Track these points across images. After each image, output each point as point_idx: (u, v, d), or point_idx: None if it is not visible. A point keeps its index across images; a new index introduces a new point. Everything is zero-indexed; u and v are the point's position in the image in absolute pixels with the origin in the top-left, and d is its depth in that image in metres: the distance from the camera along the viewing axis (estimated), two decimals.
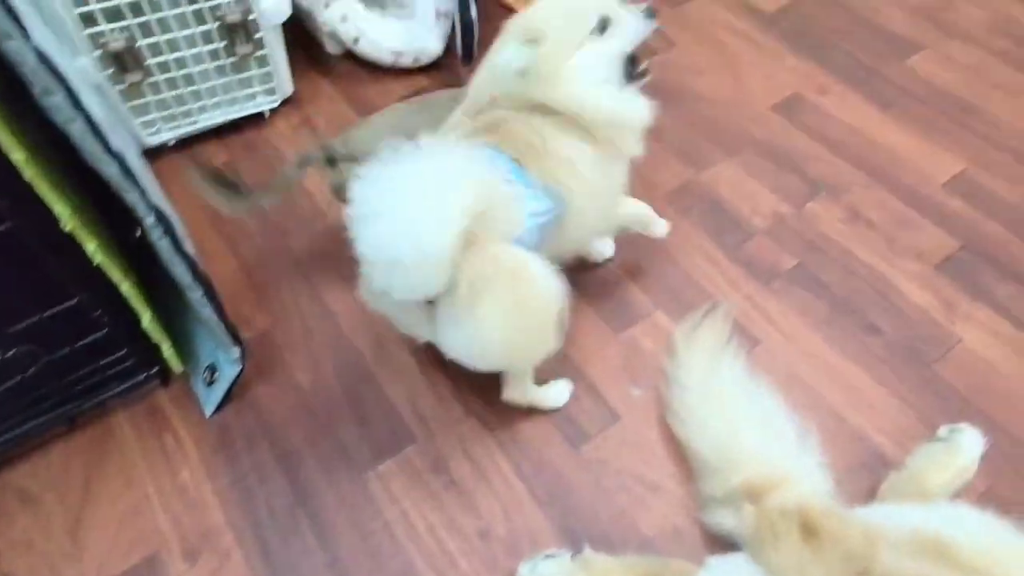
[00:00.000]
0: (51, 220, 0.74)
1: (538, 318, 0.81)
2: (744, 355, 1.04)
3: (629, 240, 1.19)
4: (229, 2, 1.18)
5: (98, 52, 1.12)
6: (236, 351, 0.96)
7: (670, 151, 1.33)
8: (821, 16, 1.59)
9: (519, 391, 0.97)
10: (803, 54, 1.50)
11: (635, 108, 0.89)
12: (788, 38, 1.54)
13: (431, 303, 0.78)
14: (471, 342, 0.81)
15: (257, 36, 1.24)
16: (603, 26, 0.84)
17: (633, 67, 0.89)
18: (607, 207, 0.98)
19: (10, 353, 0.83)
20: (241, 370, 0.98)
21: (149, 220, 0.75)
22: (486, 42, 0.91)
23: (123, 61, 1.14)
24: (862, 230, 1.21)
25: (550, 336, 0.84)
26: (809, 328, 1.09)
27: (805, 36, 1.54)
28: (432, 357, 1.06)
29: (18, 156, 0.67)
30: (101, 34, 1.11)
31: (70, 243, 0.78)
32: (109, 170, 0.69)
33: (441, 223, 0.68)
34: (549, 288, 0.79)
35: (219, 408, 1.01)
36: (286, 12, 1.22)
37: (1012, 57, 1.49)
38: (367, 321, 1.10)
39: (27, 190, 0.71)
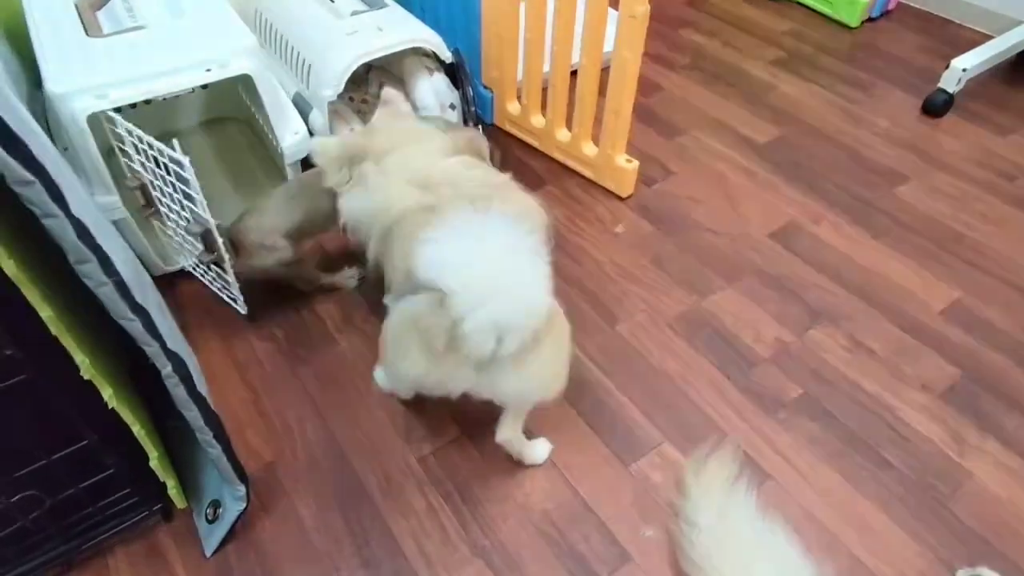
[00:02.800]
0: (71, 368, 0.76)
1: (568, 348, 0.98)
2: (756, 491, 1.03)
3: (635, 368, 1.21)
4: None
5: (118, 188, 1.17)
6: (242, 489, 0.95)
7: (672, 278, 1.37)
8: (810, 147, 1.68)
9: (514, 433, 1.03)
10: (796, 184, 1.58)
11: None
12: (781, 168, 1.62)
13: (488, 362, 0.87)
14: (532, 379, 0.92)
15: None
16: None
17: None
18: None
19: (14, 499, 0.82)
20: (245, 507, 0.97)
21: (166, 370, 0.77)
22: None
23: (146, 195, 1.20)
24: (864, 359, 1.23)
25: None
26: (820, 462, 1.08)
27: (797, 167, 1.62)
28: (441, 494, 1.04)
29: (47, 313, 0.70)
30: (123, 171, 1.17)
31: (87, 389, 0.79)
32: (132, 326, 0.71)
33: (544, 287, 0.84)
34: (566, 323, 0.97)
35: (220, 547, 0.98)
36: (305, 151, 1.30)
37: (993, 187, 1.56)
38: (374, 452, 1.09)
39: (52, 342, 0.72)
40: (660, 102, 1.82)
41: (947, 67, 1.72)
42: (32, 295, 0.68)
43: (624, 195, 1.53)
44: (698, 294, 1.34)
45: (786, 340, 1.26)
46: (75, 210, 0.62)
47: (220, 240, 1.11)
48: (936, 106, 1.74)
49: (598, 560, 0.98)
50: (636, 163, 1.49)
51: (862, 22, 2.10)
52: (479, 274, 0.81)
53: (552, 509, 1.03)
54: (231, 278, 1.18)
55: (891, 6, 2.16)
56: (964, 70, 1.70)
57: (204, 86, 1.22)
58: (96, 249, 0.64)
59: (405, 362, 0.93)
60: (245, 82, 1.21)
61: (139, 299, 0.72)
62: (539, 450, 1.08)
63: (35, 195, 0.58)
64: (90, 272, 0.65)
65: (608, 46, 1.37)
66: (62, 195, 0.61)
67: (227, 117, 1.67)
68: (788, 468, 1.08)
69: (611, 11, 1.34)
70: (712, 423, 1.14)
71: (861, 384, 1.19)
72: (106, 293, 0.67)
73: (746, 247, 1.43)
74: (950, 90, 1.73)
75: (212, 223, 1.07)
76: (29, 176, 0.57)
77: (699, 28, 2.12)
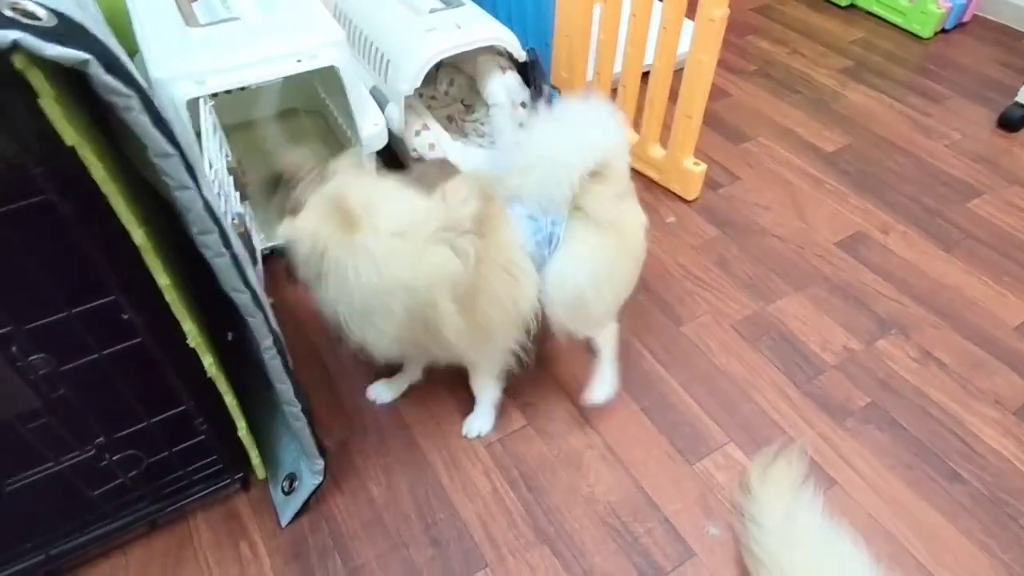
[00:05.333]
0: (179, 336, 0.80)
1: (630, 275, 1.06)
2: (821, 496, 1.02)
3: (699, 368, 1.21)
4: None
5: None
6: (320, 463, 0.99)
7: (737, 282, 1.37)
8: (879, 157, 1.66)
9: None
10: (864, 193, 1.56)
11: None
12: (849, 177, 1.60)
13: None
14: (584, 275, 0.98)
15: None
16: None
17: None
18: None
19: (117, 456, 0.87)
20: (322, 481, 1.01)
21: (266, 342, 0.81)
22: None
23: (237, 177, 1.25)
24: (935, 371, 1.21)
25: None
26: (888, 471, 1.07)
27: (865, 176, 1.61)
28: (506, 480, 1.06)
29: (164, 281, 0.74)
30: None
31: (190, 357, 0.83)
32: (241, 298, 0.75)
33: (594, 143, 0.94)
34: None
35: (295, 518, 1.02)
36: (384, 140, 1.34)
37: None
38: (441, 436, 1.12)
39: (165, 310, 0.77)
40: (727, 108, 1.82)
41: None
42: (154, 264, 0.72)
43: (689, 198, 1.53)
44: (763, 299, 1.34)
45: (854, 348, 1.25)
46: (203, 185, 0.66)
47: (254, 247, 1.11)
48: (1013, 120, 1.70)
49: (662, 554, 0.99)
50: (704, 166, 1.50)
51: (935, 33, 2.07)
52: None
53: (616, 502, 1.04)
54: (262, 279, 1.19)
55: (966, 18, 2.11)
56: None
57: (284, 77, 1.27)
58: (218, 222, 0.68)
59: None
60: (322, 75, 1.25)
61: (248, 274, 0.76)
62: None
63: (173, 168, 0.62)
64: (211, 243, 0.69)
65: (681, 48, 1.38)
66: (194, 169, 0.65)
67: (299, 108, 1.72)
68: (854, 475, 1.07)
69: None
70: (777, 426, 1.14)
71: (931, 396, 1.17)
72: (222, 264, 0.71)
73: (812, 254, 1.42)
74: None
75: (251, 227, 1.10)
76: (171, 149, 0.61)
77: (767, 35, 2.11)
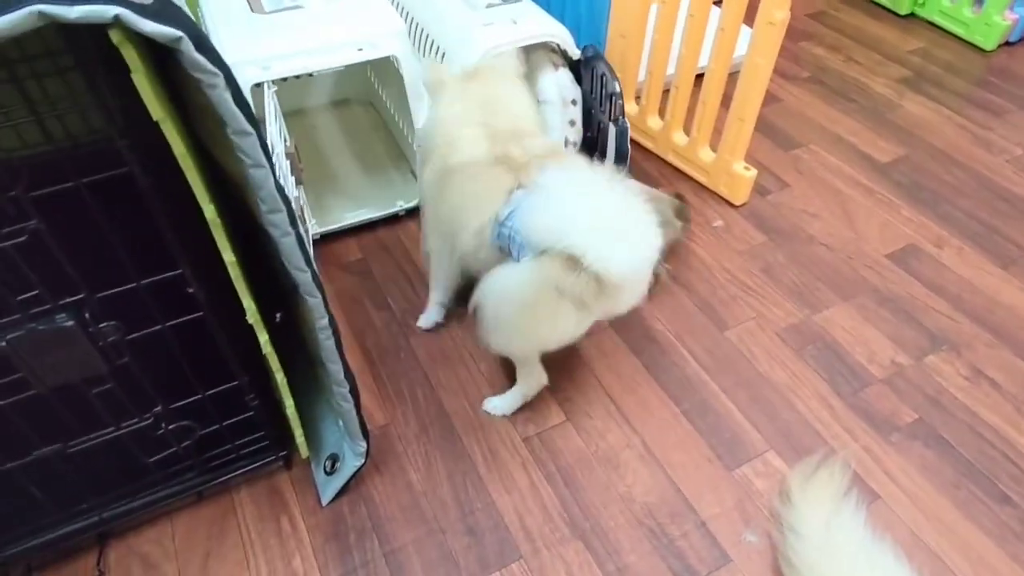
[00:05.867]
0: (239, 312, 0.83)
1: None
2: (863, 509, 1.01)
3: (742, 374, 1.20)
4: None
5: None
6: (363, 445, 1.01)
7: (783, 289, 1.35)
8: (935, 170, 1.62)
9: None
10: (918, 206, 1.53)
11: None
12: (902, 189, 1.57)
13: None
14: (639, 290, 1.00)
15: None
16: None
17: None
18: None
19: (172, 426, 0.90)
20: (363, 463, 1.02)
21: (322, 322, 0.83)
22: None
23: (293, 163, 1.28)
24: (987, 390, 1.18)
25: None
26: (934, 489, 1.05)
27: (920, 188, 1.57)
28: (544, 474, 1.07)
29: (229, 257, 0.76)
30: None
31: (246, 333, 0.86)
32: (303, 277, 0.77)
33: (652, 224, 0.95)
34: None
35: (335, 497, 1.04)
36: None
37: None
38: (481, 425, 1.13)
39: (226, 286, 0.79)
40: (778, 113, 1.79)
41: None
42: (222, 240, 0.74)
43: (738, 203, 1.52)
44: (809, 307, 1.32)
45: (902, 363, 1.22)
46: (276, 165, 0.68)
47: (307, 231, 1.16)
48: None
49: (697, 558, 0.98)
50: (754, 171, 1.48)
51: (999, 46, 2.01)
52: (603, 228, 0.90)
53: (653, 503, 1.04)
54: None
55: None
56: None
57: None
58: (287, 201, 0.70)
59: (551, 324, 0.97)
60: (377, 66, 1.27)
61: (311, 253, 0.78)
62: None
63: (250, 146, 0.64)
64: (279, 222, 0.71)
65: (738, 51, 1.37)
66: (268, 149, 0.67)
67: (351, 99, 1.75)
68: (898, 491, 1.05)
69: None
70: (819, 437, 1.12)
71: (981, 416, 1.15)
72: (288, 243, 0.73)
73: (862, 265, 1.40)
74: None
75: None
76: (249, 127, 0.63)
77: (821, 41, 2.07)
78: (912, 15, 2.17)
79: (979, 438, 1.12)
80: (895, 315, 1.31)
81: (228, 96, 0.60)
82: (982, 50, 2.02)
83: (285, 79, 1.29)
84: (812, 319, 1.30)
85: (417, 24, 1.56)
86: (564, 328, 0.98)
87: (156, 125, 0.63)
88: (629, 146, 1.43)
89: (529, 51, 1.53)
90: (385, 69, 1.27)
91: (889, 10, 2.19)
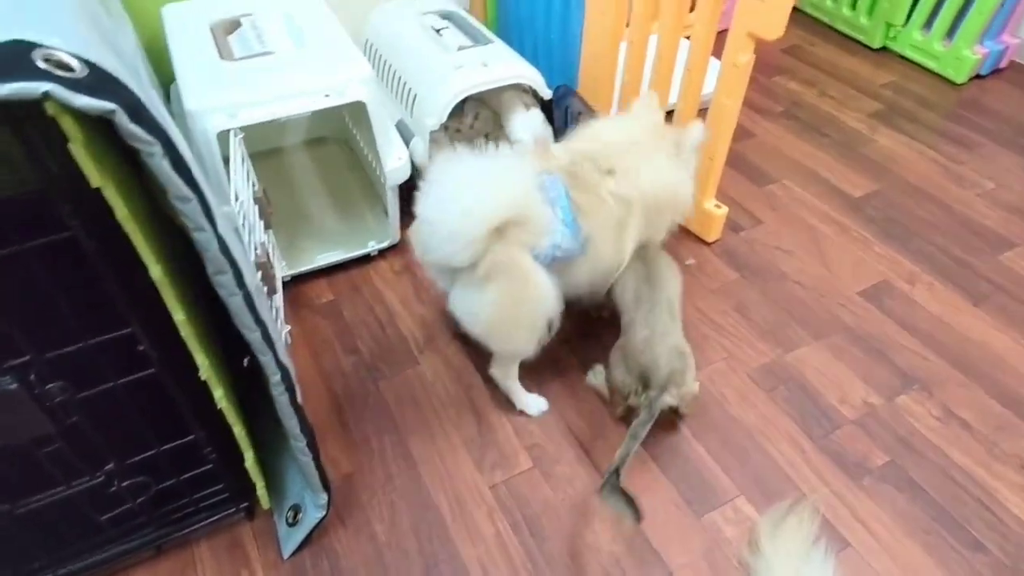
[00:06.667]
0: (192, 368, 0.82)
1: (526, 317, 1.03)
2: (833, 558, 0.99)
3: (712, 416, 1.19)
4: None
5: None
6: (324, 497, 0.99)
7: (756, 328, 1.35)
8: (907, 204, 1.63)
9: (501, 372, 1.16)
10: (891, 241, 1.53)
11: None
12: (875, 224, 1.58)
13: (455, 271, 0.98)
14: (471, 311, 1.02)
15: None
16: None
17: None
18: (614, 266, 1.14)
19: (126, 483, 0.88)
20: (325, 516, 1.01)
21: (275, 379, 0.82)
22: None
23: (261, 207, 1.28)
24: (958, 431, 1.18)
25: (531, 338, 1.06)
26: (906, 535, 1.04)
27: (892, 223, 1.58)
28: (510, 523, 1.06)
29: (180, 316, 0.76)
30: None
31: (201, 388, 0.85)
32: (253, 336, 0.76)
33: (481, 210, 0.91)
34: (545, 299, 1.02)
35: (297, 550, 1.03)
36: (407, 174, 1.36)
37: None
38: (447, 474, 1.12)
39: (179, 343, 0.78)
40: (751, 149, 1.81)
41: None
42: (169, 299, 0.74)
43: (710, 240, 1.52)
44: (781, 347, 1.31)
45: (874, 403, 1.22)
46: (219, 225, 0.68)
47: (274, 275, 1.16)
48: None
49: None
50: (725, 209, 1.49)
51: (970, 79, 2.04)
52: (447, 171, 0.95)
53: (620, 552, 1.02)
54: (280, 306, 1.23)
55: (1003, 64, 2.08)
56: None
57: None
58: (233, 262, 0.70)
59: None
60: (350, 106, 1.28)
61: (260, 311, 0.77)
62: (529, 401, 1.19)
63: (191, 211, 0.64)
64: (225, 283, 0.70)
65: (705, 90, 1.39)
66: (211, 212, 0.66)
67: (328, 137, 1.76)
68: (869, 537, 1.04)
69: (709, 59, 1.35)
70: (790, 481, 1.11)
71: (953, 458, 1.14)
72: (236, 304, 0.72)
73: (834, 303, 1.40)
74: None
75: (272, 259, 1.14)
76: (189, 193, 0.63)
77: (795, 76, 2.10)
78: (885, 48, 2.20)
79: (951, 481, 1.11)
80: (867, 354, 1.30)
81: (166, 164, 0.60)
82: (953, 83, 2.04)
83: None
84: (784, 359, 1.29)
85: (391, 67, 1.57)
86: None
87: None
88: None
89: (501, 91, 1.54)
90: (359, 109, 1.28)
91: (862, 44, 2.22)
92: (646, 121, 1.16)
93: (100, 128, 0.66)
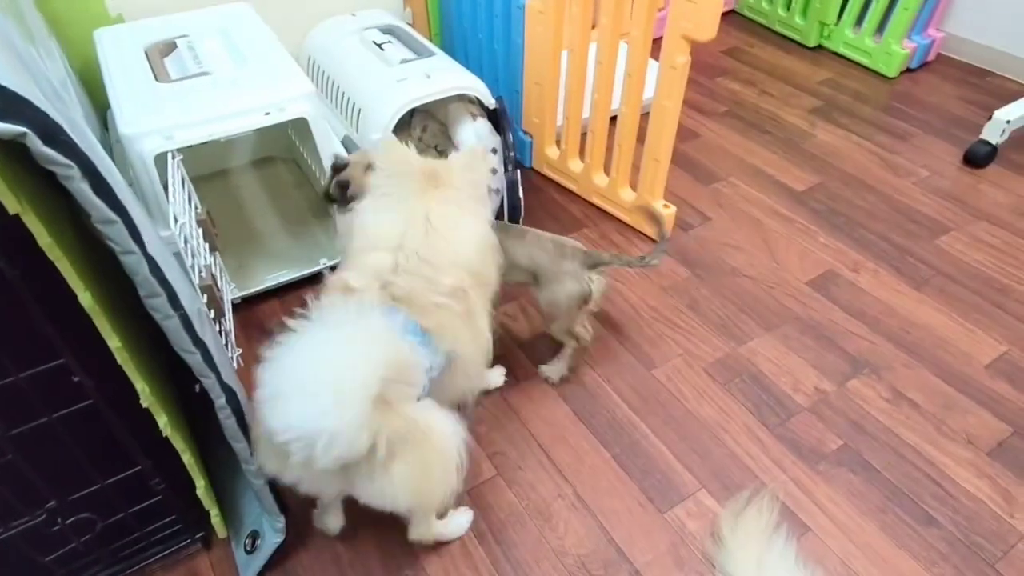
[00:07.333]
0: (131, 396, 0.79)
1: (446, 466, 0.86)
2: (794, 544, 1.01)
3: (671, 413, 1.20)
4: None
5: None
6: (281, 520, 0.97)
7: (708, 324, 1.37)
8: (848, 196, 1.68)
9: (424, 529, 1.00)
10: (834, 232, 1.58)
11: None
12: (819, 216, 1.62)
13: (344, 470, 0.79)
14: (386, 493, 0.84)
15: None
16: None
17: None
18: (483, 348, 1.01)
19: (69, 520, 0.85)
20: (284, 539, 0.98)
21: (219, 401, 0.80)
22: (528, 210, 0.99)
23: (206, 230, 1.25)
24: (907, 411, 1.21)
25: (455, 478, 0.87)
26: (861, 516, 1.06)
27: (835, 214, 1.63)
28: (474, 533, 1.04)
29: (115, 343, 0.73)
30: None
31: (143, 416, 0.82)
32: (193, 359, 0.75)
33: (354, 392, 0.71)
34: (454, 436, 0.85)
35: None
36: None
37: None
38: None
39: (116, 371, 0.76)
40: (697, 148, 1.85)
41: (990, 118, 1.72)
42: (103, 326, 0.72)
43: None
44: (735, 340, 1.34)
45: (825, 390, 1.24)
46: (149, 248, 0.66)
47: (222, 298, 1.13)
48: (978, 157, 1.73)
49: None
50: (674, 208, 1.51)
51: (900, 73, 2.12)
52: (284, 372, 0.74)
53: (586, 555, 1.02)
54: (230, 329, 1.19)
55: (931, 57, 2.17)
56: (1008, 122, 1.70)
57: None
58: (166, 284, 0.68)
59: (259, 455, 0.85)
60: (295, 124, 1.27)
61: (200, 333, 0.75)
62: (456, 524, 1.05)
63: (116, 234, 0.62)
64: (159, 306, 0.68)
65: (647, 93, 1.41)
66: (139, 234, 0.65)
67: (275, 157, 1.74)
68: (827, 521, 1.06)
69: (650, 61, 1.38)
70: (749, 472, 1.12)
71: (903, 437, 1.17)
72: (171, 326, 0.71)
73: (783, 294, 1.43)
74: (993, 141, 1.72)
75: (218, 282, 1.10)
76: (113, 216, 0.61)
77: (736, 77, 2.15)
78: (820, 47, 2.27)
79: (902, 460, 1.14)
80: (817, 342, 1.33)
81: (86, 187, 0.58)
82: (886, 77, 2.12)
83: (206, 143, 1.27)
84: (738, 351, 1.32)
85: (334, 83, 1.57)
86: (269, 466, 0.84)
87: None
88: (520, 197, 1.45)
89: (447, 103, 1.54)
90: (304, 126, 1.26)
91: (798, 43, 2.29)
92: (412, 180, 0.96)
93: (16, 153, 0.65)
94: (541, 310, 1.20)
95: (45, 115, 0.57)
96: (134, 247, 0.64)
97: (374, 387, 0.73)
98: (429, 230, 0.93)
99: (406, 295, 0.89)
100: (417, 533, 1.00)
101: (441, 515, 1.02)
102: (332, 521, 1.04)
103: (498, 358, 1.13)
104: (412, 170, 0.96)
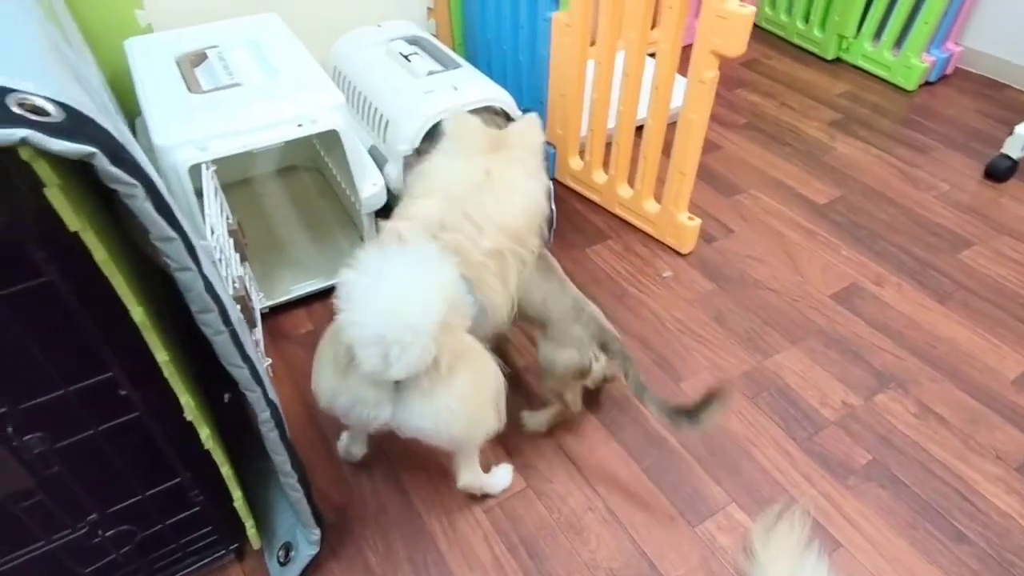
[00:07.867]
0: (176, 409, 0.80)
1: (493, 392, 0.95)
2: (826, 559, 1.01)
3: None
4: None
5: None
6: (317, 533, 0.97)
7: (734, 337, 1.37)
8: (869, 208, 1.69)
9: (472, 477, 1.05)
10: (857, 245, 1.58)
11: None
12: (841, 229, 1.63)
13: (398, 384, 0.87)
14: (441, 412, 0.89)
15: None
16: None
17: None
18: (508, 308, 1.07)
19: (109, 533, 0.85)
20: (317, 552, 0.99)
21: (263, 415, 0.80)
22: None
23: (237, 239, 1.26)
24: (935, 426, 1.21)
25: (500, 412, 0.96)
26: (892, 531, 1.06)
27: (857, 227, 1.63)
28: (506, 546, 1.05)
29: (163, 357, 0.74)
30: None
31: (186, 429, 0.83)
32: (241, 373, 0.75)
33: (431, 306, 0.82)
34: (496, 368, 0.95)
35: None
36: (383, 200, 1.36)
37: None
38: (440, 500, 1.11)
39: (163, 384, 0.77)
40: (719, 161, 1.85)
41: (1011, 133, 1.72)
42: (153, 341, 0.72)
43: (685, 251, 1.55)
44: (761, 353, 1.34)
45: (852, 404, 1.25)
46: (204, 264, 0.67)
47: (253, 308, 1.12)
48: (999, 171, 1.74)
49: None
50: (698, 221, 1.52)
51: (919, 86, 2.12)
52: (373, 280, 0.82)
53: (618, 568, 1.02)
54: (260, 339, 1.19)
55: (949, 71, 2.18)
56: None
57: None
58: (218, 300, 0.69)
59: (319, 376, 0.93)
60: (321, 134, 1.28)
61: (247, 347, 0.76)
62: (500, 476, 1.12)
63: (175, 251, 0.63)
64: (211, 321, 0.69)
65: (673, 104, 1.42)
66: (196, 251, 0.65)
67: (298, 165, 1.75)
68: (858, 536, 1.06)
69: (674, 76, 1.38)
70: (779, 486, 1.12)
71: (932, 452, 1.17)
72: (222, 341, 0.71)
73: (807, 307, 1.43)
74: (1014, 156, 1.72)
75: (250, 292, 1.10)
76: (172, 233, 0.62)
77: (756, 89, 2.16)
78: (838, 60, 2.28)
79: (931, 475, 1.14)
80: (843, 355, 1.33)
81: (148, 205, 0.59)
82: (905, 90, 2.13)
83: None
84: (764, 365, 1.32)
85: (360, 94, 1.57)
86: (324, 382, 0.91)
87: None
88: (553, 208, 1.45)
89: (474, 114, 1.55)
90: (330, 136, 1.27)
91: (816, 56, 2.30)
92: (479, 142, 1.06)
93: (75, 171, 0.65)
94: (538, 362, 1.12)
95: (110, 134, 0.58)
96: (191, 264, 0.64)
97: (444, 307, 0.82)
98: (485, 185, 1.00)
99: (454, 247, 0.97)
100: (465, 479, 1.05)
101: (485, 468, 1.07)
102: (357, 449, 1.15)
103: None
104: (479, 135, 1.06)
